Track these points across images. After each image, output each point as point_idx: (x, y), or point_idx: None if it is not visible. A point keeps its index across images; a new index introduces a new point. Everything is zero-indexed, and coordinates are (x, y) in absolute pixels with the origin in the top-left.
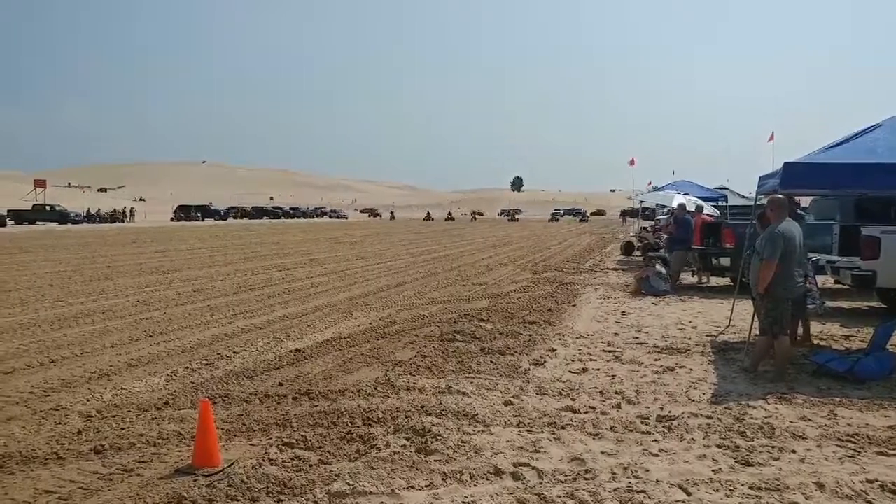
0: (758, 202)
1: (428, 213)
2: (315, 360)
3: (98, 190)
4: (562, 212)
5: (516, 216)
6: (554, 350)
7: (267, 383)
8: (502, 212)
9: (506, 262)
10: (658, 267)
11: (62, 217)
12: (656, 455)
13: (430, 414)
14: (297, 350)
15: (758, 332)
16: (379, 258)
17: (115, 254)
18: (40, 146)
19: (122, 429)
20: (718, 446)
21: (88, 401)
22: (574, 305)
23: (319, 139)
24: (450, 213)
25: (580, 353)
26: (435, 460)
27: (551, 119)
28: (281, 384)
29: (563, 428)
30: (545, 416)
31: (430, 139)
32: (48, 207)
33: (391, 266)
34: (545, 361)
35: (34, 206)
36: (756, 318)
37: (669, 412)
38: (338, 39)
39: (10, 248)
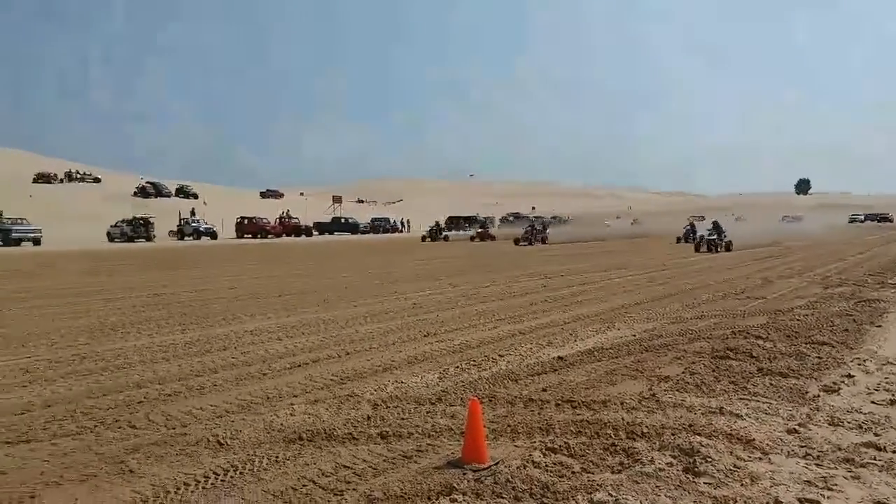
0: None
1: (484, 226)
2: (577, 368)
3: (378, 203)
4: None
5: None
6: (851, 376)
7: (530, 388)
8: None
9: (789, 275)
10: None
11: (354, 228)
12: None
13: (699, 434)
14: (560, 357)
15: None
16: (640, 268)
17: (394, 261)
18: (330, 164)
19: (403, 419)
20: None
21: (375, 391)
22: (879, 326)
23: (585, 149)
24: (437, 226)
25: (887, 382)
26: (704, 483)
27: (840, 116)
28: (544, 390)
29: (863, 466)
30: (840, 450)
31: (701, 143)
32: (343, 220)
33: (654, 277)
34: (840, 388)
35: (333, 218)
36: None
37: None
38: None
39: (315, 255)
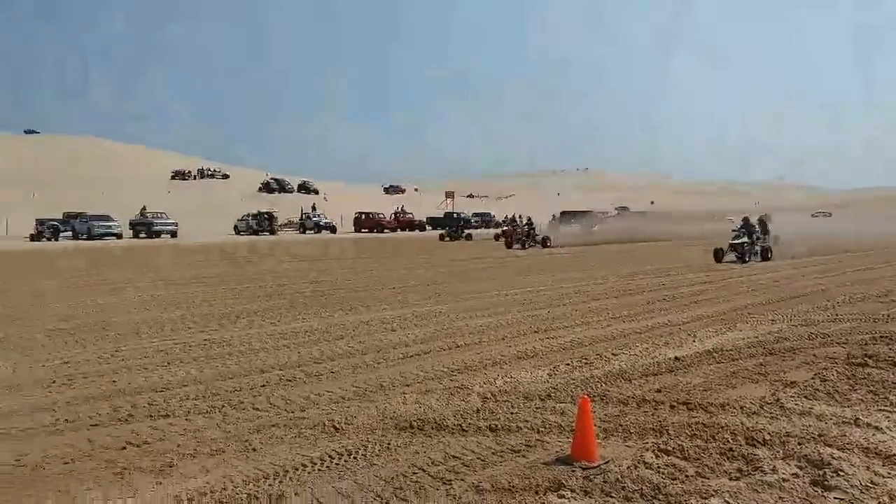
0: None
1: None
2: (694, 369)
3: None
4: None
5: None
6: None
7: (644, 388)
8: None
9: None
10: None
11: (466, 223)
12: None
13: (829, 445)
14: (676, 358)
15: None
16: (762, 267)
17: (501, 256)
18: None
19: (512, 413)
20: None
21: (485, 384)
22: None
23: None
24: (458, 223)
25: None
26: (835, 498)
27: None
28: (658, 390)
29: None
30: None
31: (837, 136)
32: (455, 215)
33: (778, 276)
34: None
35: (445, 213)
36: None
37: None
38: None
39: (427, 249)
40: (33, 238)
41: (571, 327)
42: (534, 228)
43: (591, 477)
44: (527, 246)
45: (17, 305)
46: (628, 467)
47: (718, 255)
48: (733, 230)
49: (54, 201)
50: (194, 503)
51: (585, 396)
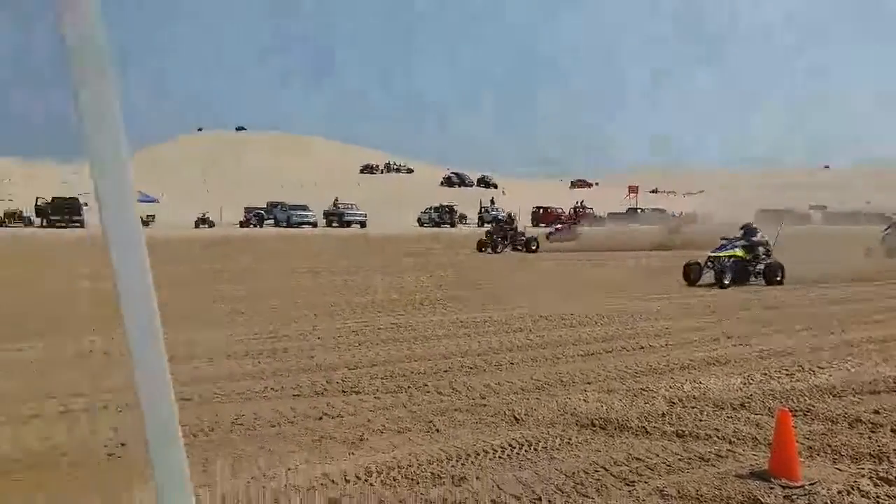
0: None
1: None
2: None
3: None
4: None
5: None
6: None
7: (858, 407)
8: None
9: None
10: None
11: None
12: None
13: None
14: None
15: None
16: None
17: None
18: (635, 153)
19: (700, 420)
20: None
21: (671, 388)
22: None
23: None
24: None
25: None
26: None
27: None
28: (877, 411)
29: None
30: None
31: None
32: (639, 210)
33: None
34: None
35: (628, 209)
36: None
37: None
38: None
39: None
40: (242, 225)
41: (767, 335)
42: (515, 228)
43: (794, 497)
44: (499, 249)
45: (236, 285)
46: (839, 492)
47: (691, 274)
48: (722, 238)
49: (259, 192)
50: (383, 476)
51: (786, 409)
